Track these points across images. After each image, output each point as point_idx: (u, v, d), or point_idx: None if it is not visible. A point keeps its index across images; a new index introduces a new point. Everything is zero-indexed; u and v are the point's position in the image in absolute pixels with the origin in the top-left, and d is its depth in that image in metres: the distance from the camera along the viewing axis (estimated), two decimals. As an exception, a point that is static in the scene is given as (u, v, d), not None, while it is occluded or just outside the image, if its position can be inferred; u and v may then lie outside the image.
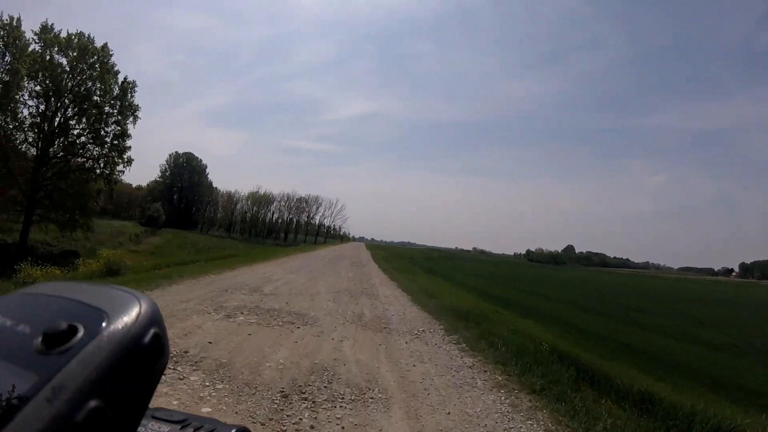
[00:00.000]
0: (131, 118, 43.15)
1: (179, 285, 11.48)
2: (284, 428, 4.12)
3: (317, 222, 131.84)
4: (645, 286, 67.31)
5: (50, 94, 39.36)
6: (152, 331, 0.41)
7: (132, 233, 70.01)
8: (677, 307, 34.67)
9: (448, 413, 4.84)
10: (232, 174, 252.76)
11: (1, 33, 36.92)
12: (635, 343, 14.45)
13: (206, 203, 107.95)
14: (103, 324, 0.40)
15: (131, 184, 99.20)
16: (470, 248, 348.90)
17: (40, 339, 0.38)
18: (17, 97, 38.28)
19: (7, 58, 37.29)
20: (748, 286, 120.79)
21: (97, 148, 42.48)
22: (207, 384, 4.84)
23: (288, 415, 4.35)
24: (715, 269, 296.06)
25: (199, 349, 6.01)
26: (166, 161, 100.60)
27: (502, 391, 5.80)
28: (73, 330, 0.39)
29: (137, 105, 43.51)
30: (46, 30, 38.67)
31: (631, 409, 6.01)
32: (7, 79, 36.76)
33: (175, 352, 5.64)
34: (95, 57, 40.43)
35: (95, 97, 41.08)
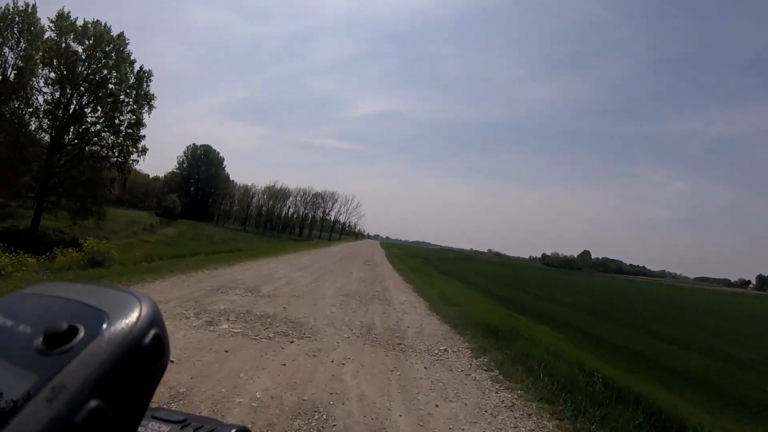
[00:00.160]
0: (146, 108, 42.81)
1: (164, 281, 9.97)
2: None
3: (332, 218, 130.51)
4: (663, 296, 66.47)
5: (65, 81, 38.81)
6: (153, 331, 0.41)
7: (147, 223, 69.77)
8: (697, 318, 33.91)
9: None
10: (249, 168, 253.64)
11: (17, 19, 36.48)
12: (660, 359, 14.12)
13: (222, 196, 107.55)
14: (104, 325, 0.40)
15: (148, 175, 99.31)
16: (485, 250, 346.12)
17: (40, 339, 0.38)
18: (32, 83, 37.94)
19: (22, 44, 36.88)
20: (765, 298, 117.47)
21: (111, 137, 41.95)
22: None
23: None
24: (732, 280, 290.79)
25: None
26: (184, 153, 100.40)
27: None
28: (73, 330, 0.38)
29: (153, 94, 43.08)
30: (62, 18, 38.17)
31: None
32: (21, 64, 36.28)
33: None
34: (111, 45, 39.89)
35: (110, 86, 40.77)
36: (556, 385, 5.90)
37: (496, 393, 5.46)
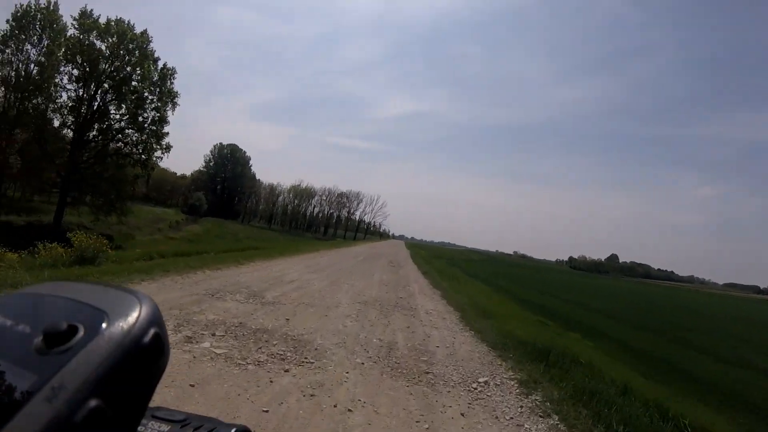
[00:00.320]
0: (170, 105, 42.47)
1: (153, 283, 8.51)
2: None
3: (357, 218, 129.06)
4: (692, 302, 64.33)
5: (88, 78, 38.69)
6: (152, 331, 0.41)
7: (173, 220, 70.04)
8: (728, 327, 32.49)
9: None
10: (276, 168, 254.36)
11: (39, 16, 36.31)
12: (695, 371, 13.47)
13: (248, 194, 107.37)
14: (104, 324, 0.39)
15: (176, 173, 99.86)
16: (511, 252, 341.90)
17: (40, 339, 0.38)
18: (55, 80, 37.82)
19: (44, 41, 36.72)
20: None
21: (135, 134, 41.68)
22: None
23: None
24: (762, 287, 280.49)
25: None
26: (211, 152, 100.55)
27: None
28: (73, 330, 0.38)
29: (176, 92, 42.78)
30: (85, 15, 37.96)
31: None
32: (43, 60, 36.08)
33: None
34: (134, 43, 39.67)
35: (134, 83, 40.58)
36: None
37: (567, 460, 3.80)
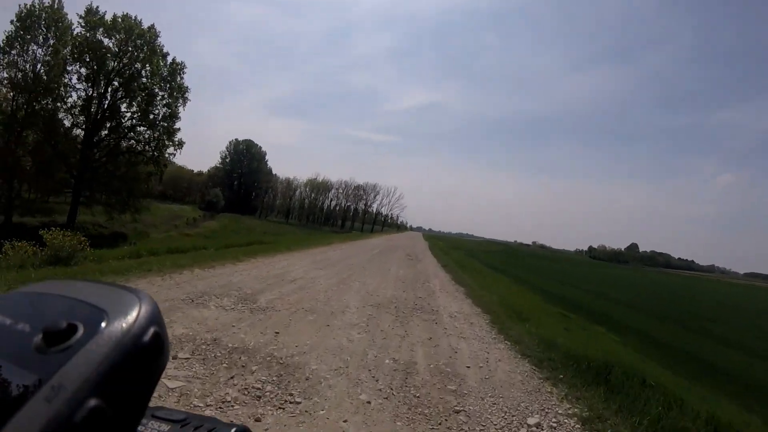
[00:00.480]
0: (181, 100, 41.93)
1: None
2: None
3: (374, 210, 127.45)
4: (714, 292, 63.59)
5: (97, 76, 38.07)
6: (152, 329, 0.40)
7: (190, 217, 70.05)
8: (751, 318, 32.78)
9: None
10: (292, 162, 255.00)
11: (43, 15, 35.54)
12: (721, 364, 13.46)
13: (265, 189, 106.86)
14: (103, 323, 0.39)
15: (192, 170, 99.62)
16: (530, 242, 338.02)
17: (39, 337, 0.37)
18: (63, 80, 37.28)
19: (50, 40, 35.98)
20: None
21: (147, 131, 40.99)
22: None
23: None
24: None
25: None
26: (226, 148, 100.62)
27: None
28: (72, 329, 0.38)
29: (186, 86, 42.41)
30: (91, 13, 37.32)
31: None
32: (49, 59, 35.31)
33: None
34: (142, 38, 38.82)
35: (143, 79, 39.85)
36: None
37: None
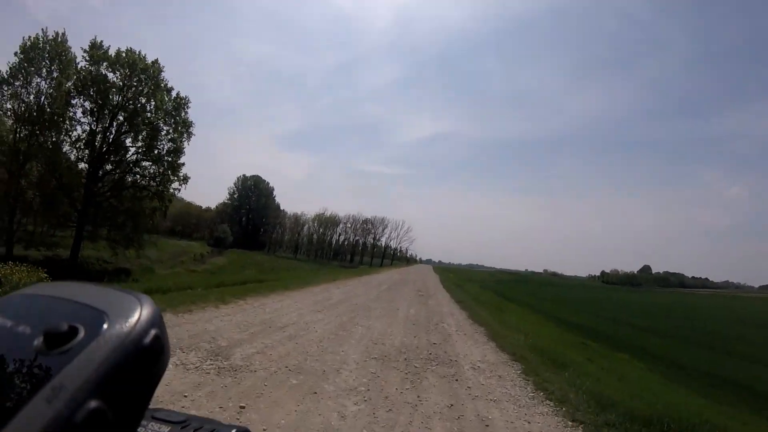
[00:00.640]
0: (185, 135, 41.06)
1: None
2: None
3: (383, 244, 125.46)
4: (732, 309, 62.55)
5: (102, 110, 37.45)
6: (153, 332, 0.40)
7: (198, 253, 68.98)
8: None
9: None
10: (300, 197, 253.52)
11: (47, 48, 35.30)
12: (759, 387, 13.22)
13: (273, 225, 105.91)
14: (104, 325, 0.39)
15: (201, 206, 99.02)
16: (541, 270, 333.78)
17: (40, 339, 0.37)
18: (68, 113, 36.92)
19: (54, 73, 35.72)
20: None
21: (153, 166, 40.18)
22: None
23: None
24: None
25: None
26: (234, 184, 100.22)
27: None
28: (73, 331, 0.38)
29: (191, 121, 41.64)
30: (95, 47, 36.81)
31: None
32: (52, 92, 34.99)
33: None
34: (146, 73, 38.22)
35: (147, 113, 39.07)
36: None
37: None
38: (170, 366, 4.94)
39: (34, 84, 35.02)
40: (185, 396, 4.21)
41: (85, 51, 36.49)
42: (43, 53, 34.85)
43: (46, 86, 35.32)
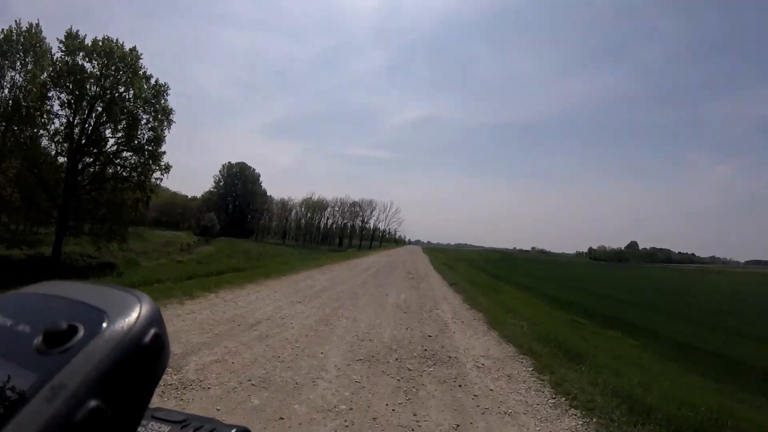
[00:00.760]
0: (165, 123, 39.62)
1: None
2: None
3: (372, 226, 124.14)
4: (720, 284, 62.25)
5: (79, 101, 35.71)
6: (152, 331, 0.40)
7: (184, 243, 67.46)
8: (764, 307, 31.76)
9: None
10: (291, 184, 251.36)
11: (21, 40, 33.45)
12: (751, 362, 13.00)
13: (261, 212, 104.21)
14: (104, 324, 0.38)
15: (186, 196, 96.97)
16: (528, 248, 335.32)
17: (40, 338, 0.37)
18: (46, 107, 35.15)
19: (29, 65, 33.99)
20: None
21: (134, 156, 38.65)
22: None
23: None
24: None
25: None
26: (220, 171, 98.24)
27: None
28: (73, 330, 0.37)
29: (171, 108, 40.06)
30: (71, 36, 34.96)
31: None
32: (26, 85, 33.34)
33: None
34: (123, 61, 36.46)
35: (126, 102, 37.48)
36: None
37: None
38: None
39: (8, 77, 33.56)
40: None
41: (60, 42, 34.71)
42: (17, 45, 33.17)
43: (21, 79, 33.68)
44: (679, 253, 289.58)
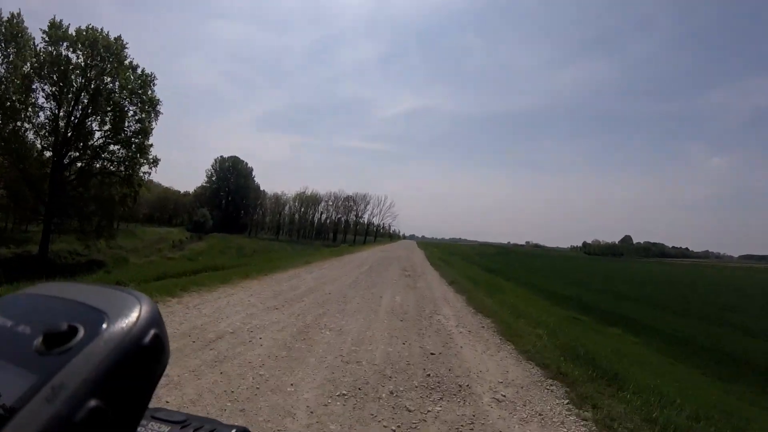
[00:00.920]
0: (153, 114, 38.02)
1: None
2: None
3: (366, 221, 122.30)
4: (717, 278, 61.62)
5: (63, 93, 34.14)
6: (152, 331, 0.40)
7: (176, 239, 66.15)
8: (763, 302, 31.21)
9: None
10: (284, 177, 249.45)
11: (1, 30, 31.80)
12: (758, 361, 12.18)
13: (254, 207, 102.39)
14: (104, 325, 0.38)
15: (179, 191, 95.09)
16: (523, 242, 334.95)
17: (40, 339, 0.37)
18: (30, 100, 33.44)
19: (11, 56, 32.27)
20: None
21: (122, 150, 37.14)
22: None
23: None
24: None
25: None
26: (212, 166, 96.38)
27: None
28: (73, 330, 0.37)
29: (158, 99, 38.58)
30: (54, 26, 33.36)
31: None
32: (7, 75, 31.59)
33: None
34: (108, 50, 34.87)
35: (112, 93, 35.84)
36: None
37: None
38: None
39: (-16, 70, 31.61)
40: None
41: (44, 32, 33.14)
42: (-3, 36, 31.37)
43: (3, 71, 31.94)
44: (673, 247, 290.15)
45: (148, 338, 0.38)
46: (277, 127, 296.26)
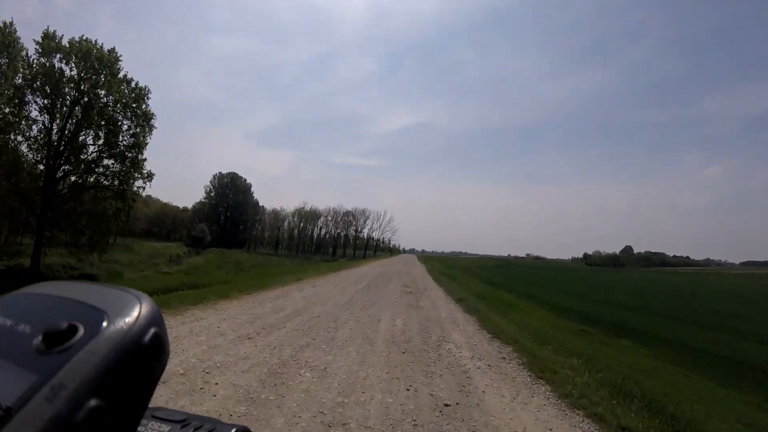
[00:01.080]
0: (147, 128, 36.79)
1: None
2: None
3: (365, 235, 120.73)
4: (721, 286, 59.99)
5: (56, 106, 33.00)
6: (152, 330, 0.39)
7: (174, 254, 64.97)
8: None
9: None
10: (282, 193, 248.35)
11: None
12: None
13: (253, 222, 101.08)
14: (104, 324, 0.38)
15: (177, 207, 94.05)
16: (523, 255, 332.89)
17: (40, 338, 0.37)
18: (24, 112, 32.31)
19: (3, 68, 31.25)
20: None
21: (116, 164, 35.91)
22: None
23: None
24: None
25: None
26: (211, 182, 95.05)
27: None
28: (73, 329, 0.37)
29: (152, 113, 37.31)
30: (48, 37, 32.31)
31: None
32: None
33: None
34: (101, 62, 33.66)
35: (106, 107, 34.65)
36: None
37: None
38: None
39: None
40: None
41: (37, 43, 32.04)
42: (-13, 46, 30.34)
43: (-2, 83, 30.87)
44: (674, 256, 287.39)
45: (148, 337, 0.38)
46: (274, 142, 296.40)
